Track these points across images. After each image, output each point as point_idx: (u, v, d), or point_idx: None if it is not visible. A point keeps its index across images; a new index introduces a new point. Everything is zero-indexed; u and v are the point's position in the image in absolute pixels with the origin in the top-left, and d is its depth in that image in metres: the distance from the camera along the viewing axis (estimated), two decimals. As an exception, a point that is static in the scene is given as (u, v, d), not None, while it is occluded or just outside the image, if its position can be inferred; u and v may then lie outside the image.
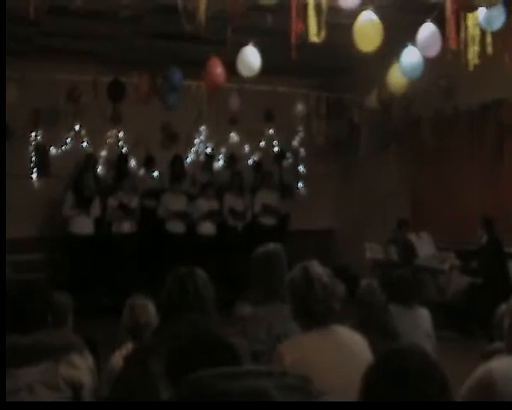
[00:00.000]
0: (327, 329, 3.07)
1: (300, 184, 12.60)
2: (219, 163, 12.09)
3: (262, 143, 12.30)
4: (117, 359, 4.03)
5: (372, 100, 10.27)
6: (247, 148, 12.21)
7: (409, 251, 9.46)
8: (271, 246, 4.16)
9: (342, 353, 3.01)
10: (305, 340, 3.08)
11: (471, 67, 6.32)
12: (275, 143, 12.42)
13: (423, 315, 5.00)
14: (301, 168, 12.69)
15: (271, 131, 12.21)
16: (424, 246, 9.68)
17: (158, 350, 2.81)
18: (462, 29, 6.19)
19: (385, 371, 1.92)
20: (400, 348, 2.03)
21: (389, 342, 3.14)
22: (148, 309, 4.17)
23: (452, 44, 6.17)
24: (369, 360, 2.07)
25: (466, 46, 6.21)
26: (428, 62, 7.23)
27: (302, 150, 12.60)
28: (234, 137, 12.05)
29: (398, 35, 6.90)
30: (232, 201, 11.18)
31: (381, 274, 8.39)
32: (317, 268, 3.15)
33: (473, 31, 6.24)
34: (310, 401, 1.91)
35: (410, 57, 7.29)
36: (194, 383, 1.86)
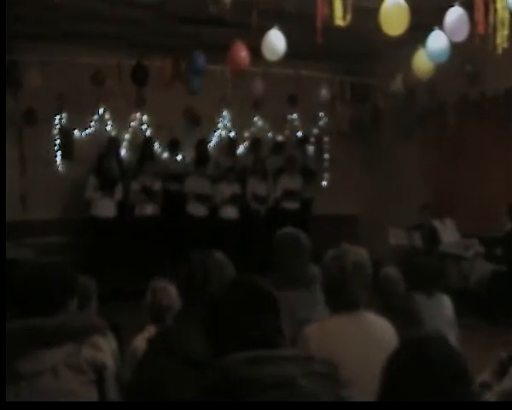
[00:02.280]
0: (355, 314, 3.06)
1: (324, 169, 12.55)
2: (242, 147, 12.09)
3: (285, 128, 12.26)
4: (139, 341, 4.06)
5: (397, 85, 10.19)
6: (270, 132, 12.18)
7: (433, 237, 9.40)
8: (293, 230, 4.16)
9: (369, 338, 2.99)
10: (332, 324, 3.07)
11: (500, 52, 6.21)
12: (298, 127, 12.37)
13: (445, 303, 4.97)
14: (325, 153, 12.64)
15: (295, 115, 12.17)
16: (448, 232, 9.62)
17: (182, 332, 2.82)
18: (491, 12, 6.08)
19: (406, 357, 1.92)
20: (421, 336, 2.03)
21: (411, 330, 3.12)
22: (170, 292, 4.18)
23: (481, 29, 6.07)
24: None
25: (495, 30, 6.10)
26: (454, 47, 7.15)
27: (325, 135, 12.54)
28: (257, 121, 12.03)
29: (424, 19, 6.82)
30: (255, 185, 11.18)
31: (405, 260, 8.37)
32: (352, 252, 3.14)
33: (502, 14, 6.12)
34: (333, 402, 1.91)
35: (437, 42, 7.19)
36: (220, 370, 1.86)
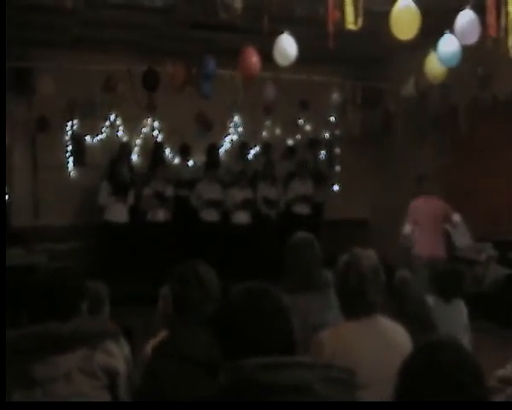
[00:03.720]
0: (370, 319, 3.05)
1: (335, 173, 12.54)
2: (253, 152, 12.09)
3: (297, 133, 12.26)
4: (151, 347, 4.06)
5: (409, 89, 10.16)
6: (281, 137, 12.18)
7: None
8: (304, 234, 4.16)
9: (384, 344, 2.98)
10: (347, 329, 3.06)
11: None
12: (309, 132, 12.37)
13: (460, 307, 4.95)
14: (336, 157, 12.63)
15: (306, 120, 12.16)
16: (460, 236, 9.56)
17: (185, 338, 2.85)
18: (503, 15, 6.06)
19: (420, 362, 1.92)
20: (435, 341, 2.02)
21: (425, 335, 3.11)
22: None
23: (492, 32, 6.05)
24: (411, 353, 2.06)
25: (506, 33, 6.07)
26: (465, 50, 7.12)
27: (337, 140, 12.53)
28: (269, 126, 12.04)
29: (435, 23, 6.81)
30: (265, 189, 11.17)
31: (419, 265, 8.33)
32: (366, 256, 3.13)
33: (514, 17, 6.10)
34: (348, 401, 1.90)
35: (448, 45, 7.17)
36: (235, 374, 1.85)
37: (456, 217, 8.57)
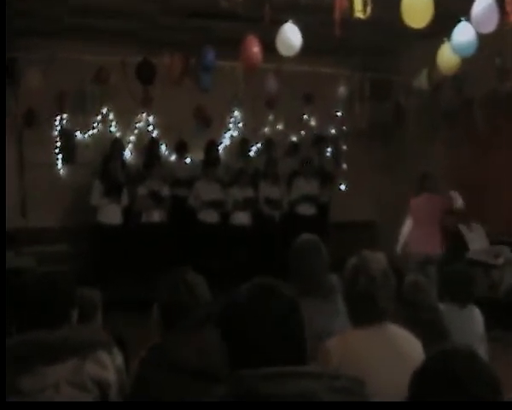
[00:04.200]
0: (380, 327, 3.05)
1: (341, 172, 12.53)
2: (255, 149, 12.09)
3: (301, 128, 12.25)
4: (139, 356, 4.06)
5: (421, 81, 10.16)
6: (284, 133, 12.18)
7: (459, 244, 9.35)
8: (312, 237, 4.15)
9: (395, 353, 2.98)
10: (355, 338, 3.05)
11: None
12: (314, 127, 12.36)
13: (475, 314, 4.94)
14: (342, 154, 12.61)
15: (311, 114, 12.16)
16: (476, 238, 9.56)
17: (173, 346, 2.87)
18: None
19: (433, 373, 1.91)
20: (449, 350, 2.01)
21: (438, 344, 3.11)
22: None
23: (511, 19, 6.05)
24: (422, 363, 2.05)
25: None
26: (482, 39, 7.11)
27: (343, 135, 12.52)
28: (271, 121, 12.03)
29: (450, 9, 6.79)
30: (268, 189, 11.16)
31: (429, 269, 8.33)
32: (375, 259, 3.12)
33: (534, 3, 6.10)
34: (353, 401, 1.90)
35: (464, 34, 7.15)
36: (236, 386, 1.85)
37: (458, 198, 9.02)
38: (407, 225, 9.15)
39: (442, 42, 7.96)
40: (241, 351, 2.01)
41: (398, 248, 9.17)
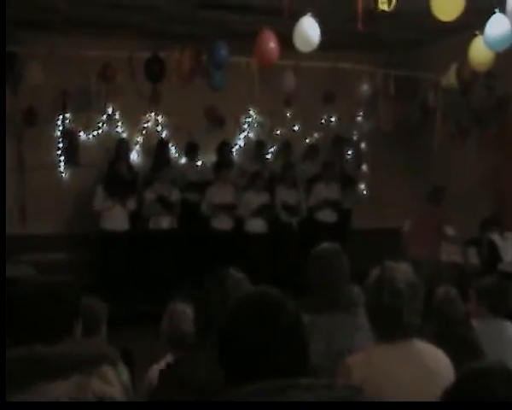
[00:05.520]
0: (406, 343, 3.03)
1: (364, 176, 12.51)
2: (271, 151, 12.09)
3: (320, 128, 12.25)
4: (155, 373, 4.06)
5: (450, 78, 10.12)
6: (303, 134, 12.18)
7: (492, 254, 9.31)
8: (332, 246, 4.14)
9: (422, 372, 2.96)
10: (380, 355, 3.04)
11: None
12: (335, 128, 12.35)
13: (509, 329, 4.91)
14: (365, 157, 12.60)
15: (331, 114, 12.15)
16: (509, 249, 9.52)
17: (196, 362, 2.83)
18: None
19: (466, 393, 1.89)
20: (484, 368, 1.99)
21: (471, 360, 3.09)
22: (189, 316, 4.19)
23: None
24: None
25: None
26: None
27: (366, 137, 12.51)
28: (288, 121, 12.04)
29: (483, 1, 6.76)
30: (285, 194, 11.15)
31: (460, 280, 8.29)
32: (400, 270, 3.10)
33: None
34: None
35: (497, 27, 7.11)
36: (243, 398, 1.85)
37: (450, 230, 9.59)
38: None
39: (474, 36, 7.92)
40: (236, 366, 2.01)
41: None
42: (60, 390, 2.69)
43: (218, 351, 2.09)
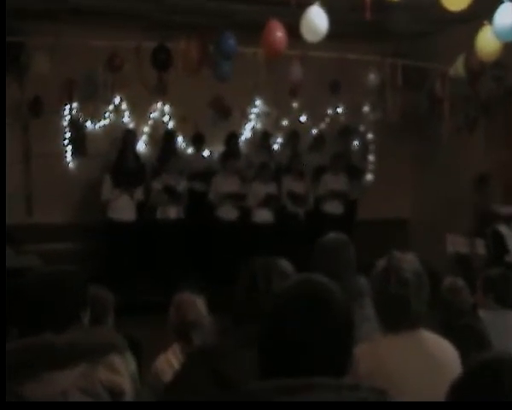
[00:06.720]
0: (413, 333, 3.03)
1: (371, 166, 12.49)
2: (278, 141, 12.08)
3: (327, 119, 12.22)
4: (162, 363, 4.07)
5: (458, 69, 10.08)
6: (309, 124, 12.15)
7: (499, 245, 9.28)
8: (338, 236, 4.13)
9: (429, 362, 2.96)
10: (386, 345, 3.04)
11: None
12: (342, 117, 12.32)
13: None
14: (372, 148, 12.58)
15: (338, 104, 12.12)
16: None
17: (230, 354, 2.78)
18: None
19: (474, 385, 1.88)
20: (492, 359, 1.97)
21: (477, 351, 3.09)
22: (196, 306, 4.19)
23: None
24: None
25: None
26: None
27: (373, 127, 12.48)
28: (295, 111, 12.01)
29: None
30: (292, 184, 11.15)
31: (467, 271, 8.29)
32: (407, 260, 3.10)
33: None
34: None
35: (506, 17, 7.08)
36: (249, 397, 1.85)
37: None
38: None
39: (482, 25, 7.88)
40: (277, 359, 1.98)
41: None
42: (68, 379, 2.69)
43: (259, 341, 2.01)
